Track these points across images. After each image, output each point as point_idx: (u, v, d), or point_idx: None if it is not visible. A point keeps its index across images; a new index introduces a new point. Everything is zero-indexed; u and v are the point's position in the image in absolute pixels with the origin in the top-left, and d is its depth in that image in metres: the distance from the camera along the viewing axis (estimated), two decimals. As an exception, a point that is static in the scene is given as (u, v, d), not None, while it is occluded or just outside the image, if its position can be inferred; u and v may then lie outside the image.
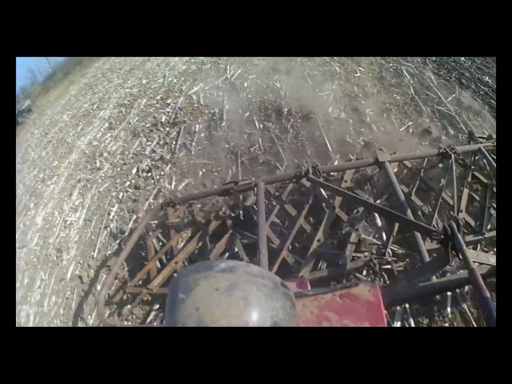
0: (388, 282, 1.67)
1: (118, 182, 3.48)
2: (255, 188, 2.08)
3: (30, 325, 2.73)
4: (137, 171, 3.46)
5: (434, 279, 1.51)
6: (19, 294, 3.03)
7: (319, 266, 1.85)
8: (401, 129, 2.78)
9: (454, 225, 1.17)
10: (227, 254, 2.13)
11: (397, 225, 1.85)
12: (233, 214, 2.30)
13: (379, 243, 1.88)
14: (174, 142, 3.59)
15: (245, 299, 0.55)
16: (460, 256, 1.16)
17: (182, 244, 2.31)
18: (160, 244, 2.40)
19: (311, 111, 3.23)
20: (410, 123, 2.83)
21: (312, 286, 1.04)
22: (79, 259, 2.97)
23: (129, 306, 2.18)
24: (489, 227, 1.84)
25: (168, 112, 4.27)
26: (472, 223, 1.90)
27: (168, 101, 4.58)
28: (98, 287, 2.52)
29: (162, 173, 3.20)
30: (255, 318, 0.54)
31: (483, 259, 1.30)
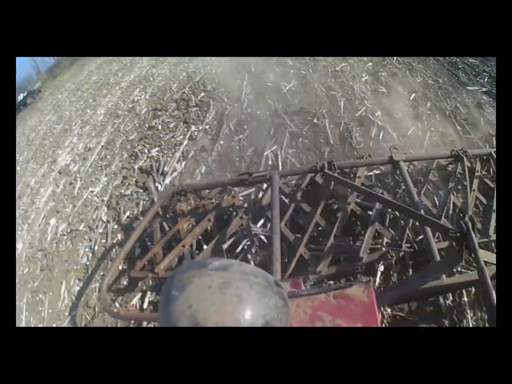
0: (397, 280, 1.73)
1: (172, 80, 6.29)
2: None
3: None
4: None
5: (444, 278, 1.54)
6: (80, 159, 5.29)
7: (336, 260, 1.89)
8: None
9: (470, 223, 1.21)
10: (238, 248, 2.16)
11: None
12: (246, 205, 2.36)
13: (394, 235, 1.89)
14: (201, 71, 6.64)
15: (238, 296, 0.58)
16: (472, 255, 1.19)
17: (189, 228, 2.32)
18: (168, 228, 2.45)
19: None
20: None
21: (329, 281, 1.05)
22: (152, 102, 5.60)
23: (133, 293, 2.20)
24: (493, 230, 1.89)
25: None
26: (478, 225, 1.96)
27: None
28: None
29: (199, 77, 6.17)
30: (247, 315, 0.57)
31: (493, 259, 1.32)
